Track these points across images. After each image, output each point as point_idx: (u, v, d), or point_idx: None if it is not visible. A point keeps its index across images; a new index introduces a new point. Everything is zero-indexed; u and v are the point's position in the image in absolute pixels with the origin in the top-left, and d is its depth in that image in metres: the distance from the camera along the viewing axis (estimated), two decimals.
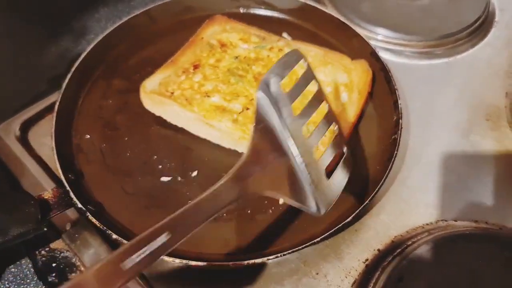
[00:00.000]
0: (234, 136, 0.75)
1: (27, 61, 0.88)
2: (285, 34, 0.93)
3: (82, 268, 0.66)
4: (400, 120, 0.76)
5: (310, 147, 0.57)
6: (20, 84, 0.87)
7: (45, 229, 0.66)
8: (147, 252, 0.43)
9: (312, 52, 0.86)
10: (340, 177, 0.60)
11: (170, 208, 0.46)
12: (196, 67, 0.82)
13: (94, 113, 0.82)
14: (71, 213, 0.70)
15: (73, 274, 0.66)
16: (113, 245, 0.67)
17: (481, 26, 0.99)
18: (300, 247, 0.63)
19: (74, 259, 0.67)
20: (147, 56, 0.91)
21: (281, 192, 0.57)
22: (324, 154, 0.59)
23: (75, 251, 0.67)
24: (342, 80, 0.82)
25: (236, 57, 0.84)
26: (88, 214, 0.65)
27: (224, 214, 0.70)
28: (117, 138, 0.79)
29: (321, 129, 0.59)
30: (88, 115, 0.82)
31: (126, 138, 0.79)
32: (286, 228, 0.69)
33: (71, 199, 0.68)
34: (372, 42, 0.88)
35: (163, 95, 0.78)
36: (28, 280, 0.65)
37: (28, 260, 0.66)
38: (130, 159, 0.77)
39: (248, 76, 0.81)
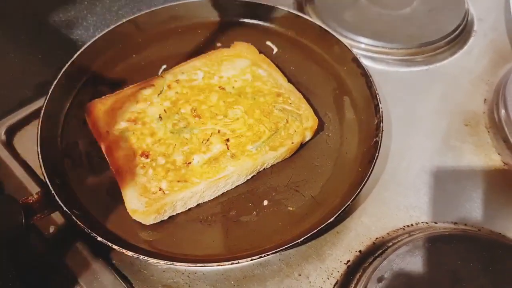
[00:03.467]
0: (247, 166, 0.73)
1: (12, 67, 0.88)
2: (268, 42, 0.95)
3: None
4: (381, 124, 0.78)
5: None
6: (5, 90, 0.87)
7: (29, 232, 0.66)
8: None
9: (198, 63, 0.86)
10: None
11: None
12: (146, 155, 0.73)
13: (80, 119, 0.82)
14: (56, 217, 0.70)
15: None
16: (97, 247, 0.68)
17: (460, 35, 1.02)
18: (283, 248, 0.64)
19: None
20: (134, 64, 0.92)
21: None
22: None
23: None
24: (246, 64, 0.86)
25: (160, 117, 0.78)
26: (73, 217, 0.65)
27: (210, 216, 0.71)
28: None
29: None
30: (74, 121, 0.82)
31: None
32: (269, 230, 0.70)
33: (56, 202, 0.68)
34: (355, 50, 0.90)
35: (158, 199, 0.69)
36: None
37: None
38: None
39: (190, 120, 0.77)
